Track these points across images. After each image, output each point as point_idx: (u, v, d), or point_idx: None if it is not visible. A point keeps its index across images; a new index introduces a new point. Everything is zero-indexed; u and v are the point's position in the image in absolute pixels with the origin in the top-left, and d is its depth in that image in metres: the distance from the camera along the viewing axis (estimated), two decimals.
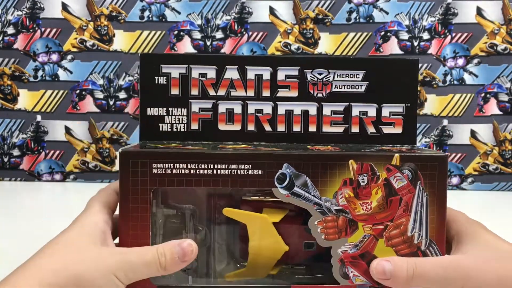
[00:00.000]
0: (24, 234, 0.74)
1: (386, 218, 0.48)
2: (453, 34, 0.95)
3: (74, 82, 0.96)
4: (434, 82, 0.96)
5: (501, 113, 0.97)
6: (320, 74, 0.53)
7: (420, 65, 0.96)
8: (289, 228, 0.50)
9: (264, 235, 0.50)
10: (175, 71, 0.53)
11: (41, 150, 0.99)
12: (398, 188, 0.47)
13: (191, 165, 0.47)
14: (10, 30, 0.95)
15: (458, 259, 0.44)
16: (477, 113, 0.97)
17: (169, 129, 0.54)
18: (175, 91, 0.53)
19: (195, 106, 0.54)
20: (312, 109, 0.54)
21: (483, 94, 0.97)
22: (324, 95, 0.54)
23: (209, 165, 0.47)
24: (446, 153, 0.48)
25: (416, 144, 0.55)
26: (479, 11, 0.94)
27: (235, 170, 0.47)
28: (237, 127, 0.55)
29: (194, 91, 0.53)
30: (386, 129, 0.55)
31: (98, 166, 0.99)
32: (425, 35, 0.95)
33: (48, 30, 0.95)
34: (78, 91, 0.97)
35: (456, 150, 0.99)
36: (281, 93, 0.54)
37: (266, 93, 0.54)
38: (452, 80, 0.96)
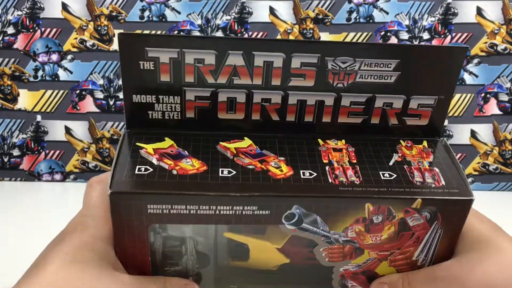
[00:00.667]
0: (24, 234, 0.74)
1: (394, 247, 0.45)
2: (453, 34, 0.95)
3: (74, 82, 0.96)
4: None
5: (501, 113, 0.97)
6: (344, 62, 0.45)
7: None
8: (292, 249, 0.48)
9: (266, 256, 0.48)
10: (165, 55, 0.44)
11: (41, 150, 0.99)
12: (412, 226, 0.44)
13: (191, 206, 0.41)
14: (10, 30, 0.94)
15: (447, 264, 0.44)
16: (477, 113, 0.97)
17: (160, 117, 0.46)
18: (165, 77, 0.45)
19: (190, 94, 0.46)
20: (329, 100, 0.47)
21: (483, 94, 0.97)
22: (346, 85, 0.46)
23: (211, 206, 0.41)
24: (472, 198, 0.43)
25: (439, 137, 0.49)
26: (479, 11, 0.94)
27: (240, 211, 0.41)
28: (239, 116, 0.47)
29: (189, 78, 0.45)
30: (410, 121, 0.48)
31: (98, 166, 0.99)
32: (425, 35, 0.95)
33: (48, 30, 0.95)
34: (78, 91, 0.96)
35: (456, 150, 0.99)
36: (294, 82, 0.46)
37: (276, 81, 0.45)
38: None
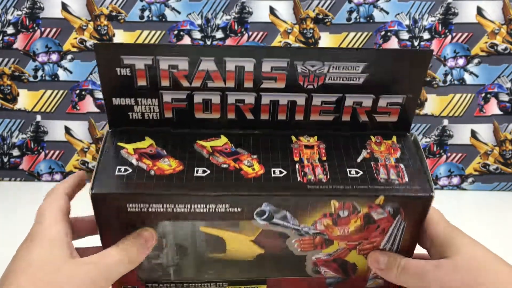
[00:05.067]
0: (24, 234, 0.74)
1: (361, 238, 0.48)
2: (454, 34, 0.95)
3: (74, 82, 0.96)
4: (434, 82, 0.96)
5: (501, 113, 0.97)
6: (312, 66, 0.47)
7: None
8: (266, 241, 0.50)
9: (241, 248, 0.50)
10: (140, 62, 0.46)
11: (41, 150, 0.99)
12: (377, 219, 0.46)
13: (168, 205, 0.44)
14: (10, 30, 0.94)
15: (438, 264, 0.45)
16: (478, 113, 0.97)
17: (140, 117, 0.49)
18: (142, 82, 0.47)
19: (167, 97, 0.48)
20: (301, 100, 0.49)
21: (483, 94, 0.97)
22: (316, 86, 0.48)
23: (186, 205, 0.44)
24: (432, 194, 0.45)
25: (409, 132, 0.51)
26: (479, 11, 0.94)
27: (213, 209, 0.45)
28: (215, 115, 0.49)
29: (165, 83, 0.47)
30: (380, 118, 0.50)
31: None
32: (426, 35, 0.95)
33: (48, 30, 0.95)
34: (78, 91, 0.96)
35: (457, 150, 0.99)
36: (266, 84, 0.47)
37: (248, 84, 0.47)
38: (452, 80, 0.96)
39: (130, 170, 0.45)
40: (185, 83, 0.47)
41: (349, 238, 0.48)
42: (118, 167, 0.45)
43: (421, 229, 0.48)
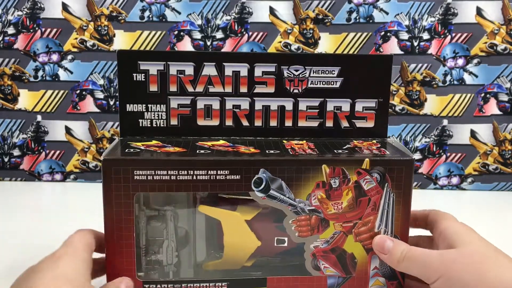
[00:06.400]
0: (24, 234, 0.74)
1: (356, 216, 0.51)
2: (453, 34, 0.95)
3: (74, 82, 0.96)
4: (434, 82, 0.96)
5: (501, 113, 0.97)
6: (296, 70, 0.54)
7: (420, 65, 0.96)
8: (262, 225, 0.54)
9: (237, 231, 0.53)
10: (153, 68, 0.53)
11: (41, 150, 0.99)
12: (367, 190, 0.50)
13: (172, 171, 0.48)
14: (11, 30, 0.95)
15: (443, 252, 0.47)
16: (477, 113, 0.98)
17: (148, 125, 0.55)
18: (153, 87, 0.54)
19: (174, 102, 0.54)
20: (288, 105, 0.55)
21: (483, 94, 0.97)
22: (300, 90, 0.55)
23: (189, 171, 0.48)
24: (413, 157, 0.50)
25: (386, 138, 0.57)
26: (479, 11, 0.95)
27: (214, 176, 0.48)
28: (215, 122, 0.55)
29: (173, 88, 0.54)
30: (359, 123, 0.56)
31: (99, 166, 0.99)
32: (425, 35, 0.95)
33: (49, 30, 0.95)
34: (78, 91, 0.97)
35: (456, 150, 0.99)
36: (258, 89, 0.55)
37: (243, 89, 0.55)
38: (452, 80, 0.96)
39: (138, 150, 0.50)
40: (190, 88, 0.54)
41: (343, 217, 0.51)
42: (127, 150, 0.50)
43: (432, 224, 0.52)
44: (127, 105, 0.54)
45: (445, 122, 0.98)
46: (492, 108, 0.97)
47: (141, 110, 0.54)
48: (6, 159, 0.99)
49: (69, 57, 0.96)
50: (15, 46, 0.95)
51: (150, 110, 0.54)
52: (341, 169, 0.50)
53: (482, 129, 0.98)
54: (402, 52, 0.96)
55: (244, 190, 0.49)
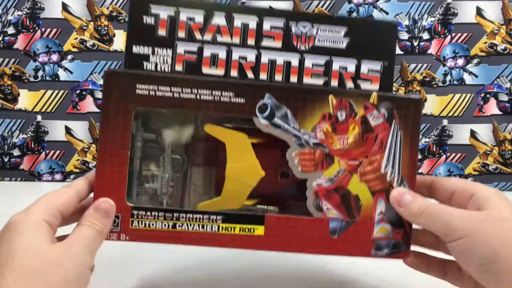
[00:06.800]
0: None
1: (362, 154, 0.50)
2: (453, 34, 0.95)
3: (74, 82, 0.96)
4: (434, 82, 0.96)
5: (501, 113, 0.97)
6: (304, 27, 0.54)
7: (420, 65, 0.96)
8: (266, 155, 0.52)
9: (242, 155, 0.52)
10: (164, 12, 0.53)
11: (41, 150, 0.99)
12: (374, 126, 0.49)
13: (175, 88, 0.48)
14: (11, 30, 0.95)
15: (469, 213, 0.45)
16: (477, 113, 0.98)
17: (153, 68, 0.54)
18: (162, 32, 0.53)
19: (180, 48, 0.54)
20: (295, 60, 0.55)
21: (483, 94, 0.97)
22: (307, 48, 0.55)
23: (193, 89, 0.48)
24: (421, 96, 0.50)
25: None
26: (479, 11, 0.95)
27: (218, 97, 0.49)
28: (220, 71, 0.54)
29: (181, 34, 0.53)
30: (364, 85, 0.55)
31: None
32: (425, 35, 0.95)
33: (48, 30, 0.95)
34: (78, 91, 0.97)
35: (456, 150, 0.99)
36: (266, 42, 0.55)
37: (251, 41, 0.55)
38: (452, 80, 0.96)
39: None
40: (198, 35, 0.53)
41: (349, 154, 0.50)
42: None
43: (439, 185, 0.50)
44: (134, 46, 0.53)
45: (445, 122, 0.98)
46: (492, 108, 0.97)
47: (147, 53, 0.53)
48: (6, 159, 0.99)
49: (69, 57, 0.96)
50: (15, 46, 0.95)
51: (156, 53, 0.53)
52: (348, 102, 0.49)
53: (482, 129, 0.98)
54: (402, 52, 0.96)
55: (248, 115, 0.49)
